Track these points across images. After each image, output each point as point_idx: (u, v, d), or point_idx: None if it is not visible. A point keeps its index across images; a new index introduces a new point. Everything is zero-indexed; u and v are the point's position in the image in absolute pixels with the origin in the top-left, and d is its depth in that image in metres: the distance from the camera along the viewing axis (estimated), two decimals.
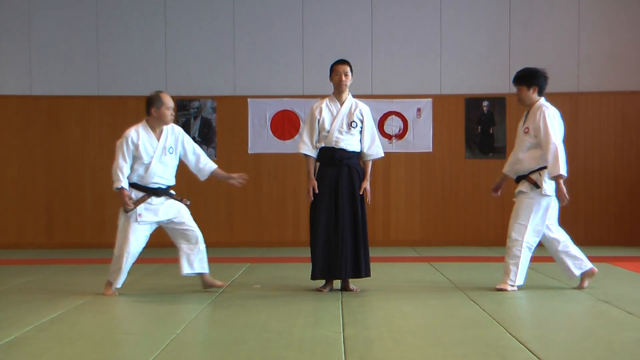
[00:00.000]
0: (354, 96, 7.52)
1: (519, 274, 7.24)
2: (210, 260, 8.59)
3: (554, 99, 12.19)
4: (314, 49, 12.45)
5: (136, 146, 7.08)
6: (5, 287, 7.84)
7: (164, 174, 7.18)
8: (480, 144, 12.33)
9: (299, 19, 12.50)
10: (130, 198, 7.05)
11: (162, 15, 12.49)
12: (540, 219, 7.24)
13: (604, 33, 12.41)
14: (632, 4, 12.45)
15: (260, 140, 12.34)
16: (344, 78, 7.37)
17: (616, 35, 12.41)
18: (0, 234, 12.35)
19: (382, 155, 7.53)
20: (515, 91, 7.44)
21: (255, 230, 12.44)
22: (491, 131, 12.28)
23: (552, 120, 7.20)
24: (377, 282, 7.71)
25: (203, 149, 7.66)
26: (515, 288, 7.22)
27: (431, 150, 12.41)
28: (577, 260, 7.38)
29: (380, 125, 12.11)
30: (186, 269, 7.29)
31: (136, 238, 7.11)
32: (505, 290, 7.20)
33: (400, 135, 12.36)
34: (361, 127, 7.40)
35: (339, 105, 7.41)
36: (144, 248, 7.28)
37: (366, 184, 7.40)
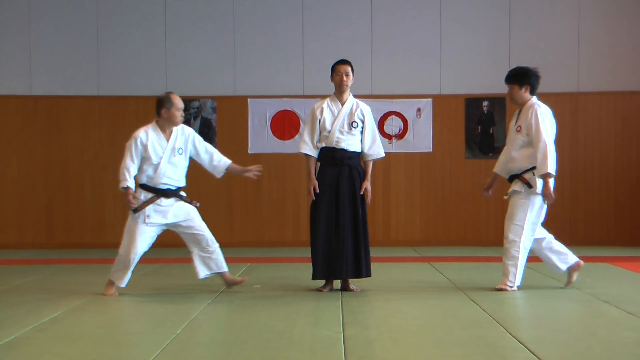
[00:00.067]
0: (354, 96, 7.52)
1: (518, 275, 7.24)
2: None
3: (554, 99, 12.27)
4: (314, 49, 12.45)
5: (145, 147, 7.08)
6: (5, 287, 7.84)
7: (173, 175, 7.17)
8: (480, 144, 12.33)
9: (299, 19, 12.50)
10: (135, 197, 7.04)
11: (162, 15, 12.49)
12: (535, 218, 7.24)
13: (604, 33, 12.41)
14: (631, 5, 12.45)
15: (260, 140, 12.34)
16: (345, 78, 7.37)
17: (616, 35, 12.41)
18: (0, 234, 12.35)
19: (383, 155, 7.53)
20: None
21: (255, 230, 12.44)
22: (491, 131, 12.29)
23: (544, 118, 7.20)
24: (377, 282, 7.71)
25: None
26: (515, 288, 7.22)
27: (431, 150, 12.41)
28: (562, 255, 7.39)
29: (381, 125, 12.11)
30: (203, 272, 7.28)
31: (143, 239, 7.10)
32: (504, 290, 7.21)
33: (400, 135, 12.36)
34: (362, 127, 7.40)
35: (340, 105, 7.41)
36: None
37: (367, 184, 7.40)
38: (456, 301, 6.82)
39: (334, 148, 7.34)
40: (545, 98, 12.32)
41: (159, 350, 4.91)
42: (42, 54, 12.46)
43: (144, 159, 7.10)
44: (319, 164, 7.43)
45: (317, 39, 12.48)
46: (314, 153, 7.39)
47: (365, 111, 7.43)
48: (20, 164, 12.43)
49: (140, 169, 7.12)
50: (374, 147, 7.44)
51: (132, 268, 7.16)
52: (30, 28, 12.46)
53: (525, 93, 7.35)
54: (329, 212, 7.32)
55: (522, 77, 7.35)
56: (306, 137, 7.41)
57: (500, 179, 7.71)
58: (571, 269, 7.42)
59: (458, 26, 12.48)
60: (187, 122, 12.23)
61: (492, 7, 12.47)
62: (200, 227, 7.23)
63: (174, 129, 7.20)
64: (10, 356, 4.84)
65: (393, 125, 12.35)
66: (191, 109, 12.31)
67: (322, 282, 7.43)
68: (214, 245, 7.26)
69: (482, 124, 12.34)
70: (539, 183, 7.16)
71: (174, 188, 7.17)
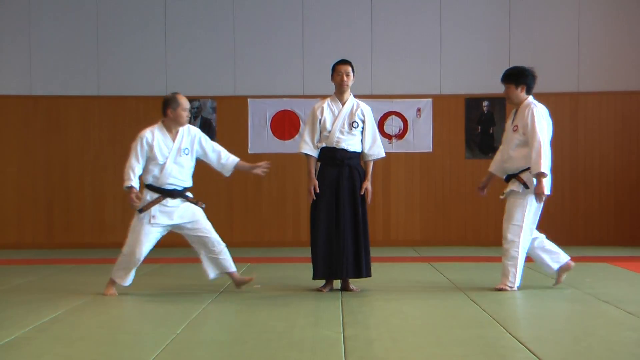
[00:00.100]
0: (354, 96, 7.52)
1: (518, 275, 7.24)
2: None
3: (554, 99, 12.29)
4: (314, 49, 12.45)
5: (150, 147, 7.09)
6: (5, 287, 7.84)
7: (179, 175, 7.17)
8: (480, 144, 12.33)
9: (299, 19, 12.50)
10: (138, 197, 7.03)
11: (162, 15, 12.49)
12: (532, 218, 7.24)
13: (604, 33, 12.41)
14: (632, 5, 12.45)
15: (260, 140, 12.34)
16: (345, 78, 7.37)
17: (616, 35, 12.41)
18: (0, 234, 12.35)
19: (384, 155, 7.53)
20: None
21: (255, 230, 12.44)
22: (491, 131, 12.28)
23: (540, 118, 7.20)
24: (377, 282, 7.71)
25: None
26: (515, 289, 7.22)
27: (431, 150, 12.41)
28: (554, 254, 7.40)
29: (381, 125, 12.11)
30: (212, 273, 7.31)
31: (148, 240, 7.11)
32: (504, 290, 7.21)
33: (400, 135, 12.36)
34: (362, 128, 7.40)
35: (341, 106, 7.41)
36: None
37: (367, 184, 7.40)
38: (456, 301, 6.82)
39: (334, 148, 7.34)
40: (545, 98, 12.33)
41: (159, 350, 4.91)
42: (42, 54, 12.46)
43: (150, 159, 7.10)
44: (319, 164, 7.43)
45: (317, 39, 12.48)
46: (314, 153, 7.40)
47: (366, 111, 7.44)
48: (20, 164, 12.43)
49: (146, 169, 7.13)
50: (375, 147, 7.44)
51: (135, 268, 7.16)
52: (30, 28, 12.46)
53: (521, 93, 7.36)
54: (329, 212, 7.32)
55: (518, 77, 7.35)
56: (306, 137, 7.41)
57: (496, 178, 7.71)
58: (562, 269, 7.42)
59: (458, 26, 12.47)
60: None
61: (492, 7, 12.47)
62: (206, 229, 7.23)
63: (180, 129, 7.21)
64: (10, 356, 4.84)
65: (393, 125, 12.35)
66: (191, 109, 12.29)
67: (322, 282, 7.43)
68: (220, 246, 7.26)
69: (482, 124, 12.34)
70: (536, 182, 7.15)
71: (180, 189, 7.17)
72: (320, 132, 7.38)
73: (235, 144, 12.25)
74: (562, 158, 12.35)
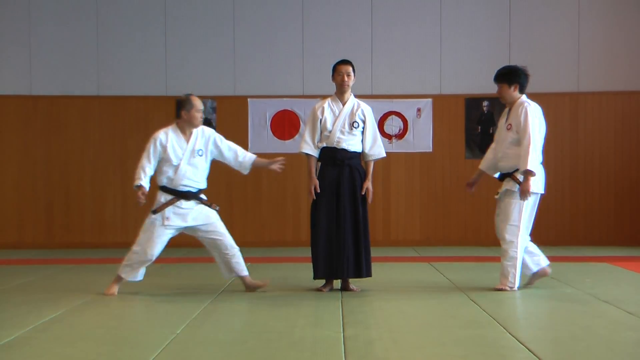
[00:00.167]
0: (355, 96, 7.52)
1: (517, 275, 7.24)
2: (211, 260, 8.59)
3: (554, 99, 12.30)
4: (314, 49, 12.44)
5: (164, 148, 7.09)
6: (5, 287, 7.84)
7: (193, 177, 7.17)
8: (480, 144, 12.32)
9: (299, 19, 12.50)
10: (144, 194, 7.02)
11: (162, 15, 12.49)
12: (528, 217, 7.25)
13: (603, 33, 12.41)
14: (632, 4, 12.44)
15: (260, 140, 12.33)
16: (346, 78, 7.38)
17: (616, 35, 12.41)
18: (0, 234, 12.34)
19: (384, 155, 7.53)
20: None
21: (255, 230, 12.43)
22: (491, 131, 12.27)
23: (533, 116, 7.20)
24: (377, 282, 7.71)
25: None
26: (515, 289, 7.22)
27: (431, 150, 12.41)
28: (535, 256, 7.40)
29: (381, 125, 12.11)
30: (226, 275, 7.36)
31: (161, 241, 7.13)
32: (504, 290, 7.20)
33: (400, 135, 12.36)
34: (363, 128, 7.40)
35: (341, 106, 7.41)
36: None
37: (368, 184, 7.40)
38: (456, 301, 6.82)
39: (334, 148, 7.35)
40: (545, 98, 12.36)
41: (159, 350, 4.91)
42: (42, 54, 12.45)
43: (164, 160, 7.11)
44: (319, 164, 7.43)
45: (317, 39, 12.48)
46: (314, 153, 7.40)
47: (367, 111, 7.44)
48: (20, 164, 12.43)
49: (160, 171, 7.14)
50: (375, 148, 7.45)
51: (145, 266, 7.17)
52: (30, 28, 12.46)
53: (514, 92, 7.36)
54: (329, 212, 7.32)
55: (511, 76, 7.36)
56: (307, 137, 7.41)
57: (485, 176, 7.72)
58: (538, 274, 7.40)
59: (458, 26, 12.47)
60: None
61: (492, 7, 12.46)
62: (220, 231, 7.23)
63: (194, 130, 7.21)
64: (10, 356, 4.85)
65: (393, 125, 12.35)
66: None
67: (322, 281, 7.44)
68: (234, 250, 7.26)
69: (482, 124, 12.34)
70: (532, 182, 7.15)
71: (194, 190, 7.18)
72: (321, 132, 7.39)
73: (235, 143, 12.25)
74: (562, 158, 12.36)
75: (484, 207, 12.20)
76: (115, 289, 7.20)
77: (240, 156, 7.33)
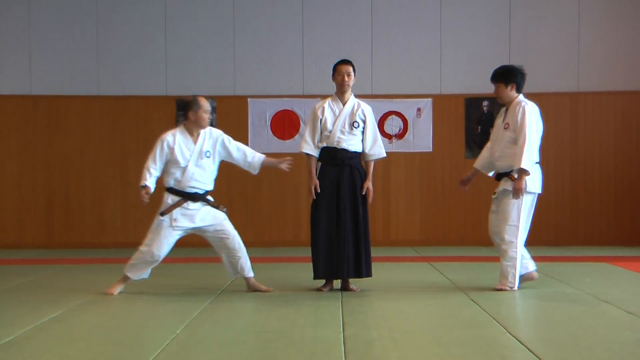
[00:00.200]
0: (355, 96, 7.52)
1: (517, 275, 7.23)
2: (211, 260, 8.60)
3: (554, 99, 12.31)
4: (314, 49, 12.45)
5: (171, 149, 7.09)
6: (5, 287, 7.84)
7: (201, 178, 7.17)
8: (480, 144, 12.28)
9: (299, 19, 12.50)
10: (148, 193, 7.02)
11: (162, 15, 12.49)
12: (527, 216, 7.25)
13: (604, 33, 12.41)
14: (632, 4, 12.45)
15: (260, 140, 12.33)
16: (346, 78, 7.38)
17: (616, 35, 12.41)
18: (0, 234, 12.34)
19: (384, 155, 7.53)
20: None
21: (255, 230, 12.43)
22: (491, 131, 12.27)
23: (530, 116, 7.19)
24: (377, 282, 7.71)
25: None
26: (515, 289, 7.22)
27: (431, 150, 12.41)
28: (524, 259, 7.38)
29: (381, 125, 12.11)
30: (231, 275, 7.36)
31: (168, 242, 7.13)
32: (504, 290, 7.20)
33: (400, 135, 12.37)
34: (363, 128, 7.41)
35: (342, 105, 7.41)
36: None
37: (369, 184, 7.40)
38: (456, 301, 6.82)
39: (335, 148, 7.35)
40: (545, 98, 12.36)
41: (159, 350, 4.91)
42: (42, 54, 12.45)
43: (171, 161, 7.11)
44: (319, 163, 7.43)
45: (317, 39, 12.48)
46: (315, 153, 7.40)
47: (367, 111, 7.44)
48: (20, 164, 12.43)
49: (167, 172, 7.14)
50: (375, 148, 7.45)
51: (151, 267, 7.19)
52: (30, 28, 12.46)
53: (511, 91, 7.36)
54: (329, 212, 7.32)
55: (507, 76, 7.35)
56: (307, 136, 7.41)
57: (484, 176, 7.72)
58: (525, 277, 7.39)
59: (458, 26, 12.47)
60: None
61: (492, 7, 12.46)
62: (228, 231, 7.23)
63: (202, 131, 7.21)
64: (10, 356, 4.85)
65: (393, 125, 12.36)
66: None
67: (322, 281, 7.44)
68: (241, 251, 7.25)
69: (482, 124, 12.34)
70: (529, 182, 7.15)
71: (201, 192, 7.17)
72: (321, 132, 7.39)
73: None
74: (562, 158, 12.36)
75: (484, 207, 12.11)
76: (117, 288, 7.19)
77: (249, 156, 7.33)
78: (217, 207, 7.25)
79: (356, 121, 7.36)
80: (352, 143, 7.37)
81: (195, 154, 7.13)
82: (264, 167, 7.39)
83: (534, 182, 7.20)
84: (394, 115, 12.34)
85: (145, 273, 7.25)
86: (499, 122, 7.49)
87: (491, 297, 6.90)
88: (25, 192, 12.42)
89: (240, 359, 4.74)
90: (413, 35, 12.49)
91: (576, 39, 12.41)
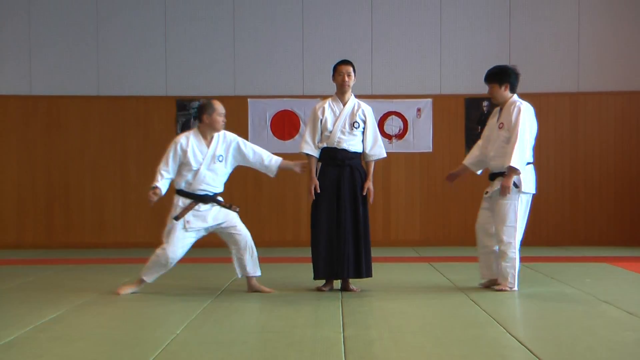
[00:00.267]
0: (355, 96, 7.52)
1: (517, 276, 7.23)
2: (211, 260, 8.61)
3: (554, 99, 12.31)
4: (314, 49, 12.44)
5: (184, 152, 7.10)
6: (5, 287, 7.84)
7: (212, 182, 7.19)
8: None
9: (299, 19, 12.50)
10: (156, 193, 7.01)
11: (162, 15, 12.49)
12: (523, 216, 7.25)
13: (604, 33, 12.41)
14: (631, 4, 12.45)
15: (260, 140, 12.30)
16: (347, 78, 7.38)
17: (616, 35, 12.41)
18: (0, 234, 12.34)
19: (385, 155, 7.53)
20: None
21: (255, 230, 12.33)
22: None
23: (524, 115, 7.18)
24: (377, 282, 7.71)
25: None
26: (515, 289, 7.21)
27: (431, 150, 12.41)
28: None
29: (381, 125, 12.11)
30: (239, 273, 7.35)
31: (182, 245, 7.13)
32: (504, 291, 7.20)
33: (400, 135, 12.36)
34: (363, 128, 7.41)
35: (342, 106, 7.41)
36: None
37: (369, 184, 7.40)
38: (456, 301, 6.82)
39: (335, 148, 7.35)
40: (545, 98, 12.36)
41: (159, 350, 4.91)
42: (42, 54, 12.45)
43: (184, 164, 7.12)
44: (320, 164, 7.43)
45: (317, 39, 12.48)
46: (315, 153, 7.40)
47: (367, 112, 7.44)
48: (20, 164, 12.43)
49: (179, 174, 7.15)
50: (376, 148, 7.45)
51: (166, 270, 7.17)
52: (30, 28, 12.46)
53: (505, 91, 7.35)
54: (330, 212, 7.33)
55: (501, 76, 7.34)
56: (307, 137, 7.41)
57: (480, 175, 7.72)
58: (493, 282, 7.38)
59: (458, 26, 12.47)
60: (187, 122, 12.25)
61: (492, 7, 12.46)
62: (239, 228, 7.26)
63: (215, 135, 7.22)
64: (10, 356, 4.85)
65: (393, 125, 12.35)
66: (191, 109, 12.31)
67: (322, 281, 7.43)
68: (248, 251, 7.25)
69: (482, 124, 12.30)
70: (525, 182, 7.14)
71: (211, 194, 7.18)
72: (322, 133, 7.39)
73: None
74: (562, 158, 12.36)
75: None
76: (129, 289, 7.19)
77: (266, 160, 7.35)
78: (229, 207, 7.27)
79: (356, 121, 7.36)
80: (352, 143, 7.37)
81: (208, 158, 7.14)
82: (281, 170, 7.40)
83: (528, 183, 7.20)
84: (394, 116, 12.34)
85: (156, 276, 7.23)
86: (492, 121, 7.48)
87: (491, 297, 6.91)
88: (25, 192, 12.42)
89: (240, 359, 4.74)
90: (413, 35, 12.49)
91: (576, 39, 12.41)
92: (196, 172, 7.12)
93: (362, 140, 7.42)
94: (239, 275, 7.37)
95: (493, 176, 7.36)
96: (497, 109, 7.47)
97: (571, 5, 12.43)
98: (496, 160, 7.30)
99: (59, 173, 12.43)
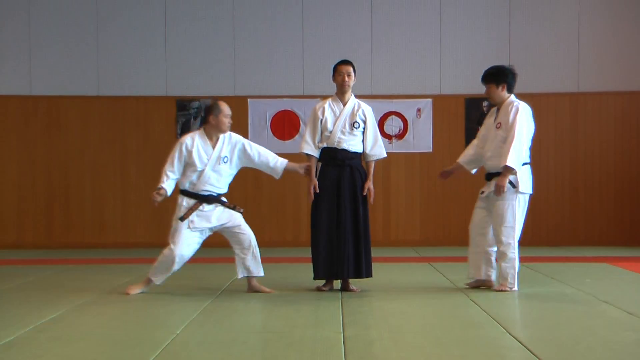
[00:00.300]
0: (355, 97, 7.52)
1: (517, 276, 7.23)
2: (211, 260, 8.61)
3: (554, 99, 12.31)
4: (314, 49, 12.45)
5: (190, 153, 7.11)
6: (5, 287, 7.84)
7: (216, 183, 7.20)
8: None
9: (299, 19, 12.50)
10: (160, 193, 7.02)
11: (162, 15, 12.49)
12: (521, 216, 7.24)
13: (604, 33, 12.41)
14: (632, 4, 12.45)
15: (260, 140, 12.27)
16: (347, 79, 7.38)
17: (616, 35, 12.41)
18: (0, 234, 12.34)
19: (385, 155, 7.52)
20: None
21: (255, 230, 12.32)
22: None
23: (522, 115, 7.17)
24: (377, 282, 7.70)
25: None
26: (515, 289, 7.21)
27: (431, 150, 12.41)
28: (490, 269, 7.37)
29: (381, 125, 12.11)
30: (241, 274, 7.32)
31: (188, 244, 7.13)
32: (504, 291, 7.20)
33: (400, 135, 12.36)
34: (364, 128, 7.40)
35: (342, 106, 7.41)
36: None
37: (369, 184, 7.40)
38: (456, 301, 6.82)
39: (335, 148, 7.35)
40: (545, 98, 12.36)
41: (159, 350, 4.91)
42: (42, 54, 12.45)
43: (189, 165, 7.13)
44: (320, 164, 7.43)
45: (317, 39, 12.48)
46: (315, 153, 7.40)
47: (367, 112, 7.44)
48: (20, 164, 12.42)
49: (184, 175, 7.16)
50: (376, 148, 7.45)
51: (173, 271, 7.17)
52: (30, 28, 12.46)
53: (502, 91, 7.33)
54: (330, 212, 7.32)
55: (498, 76, 7.33)
56: (307, 137, 7.41)
57: (480, 175, 7.72)
58: (485, 283, 7.38)
59: (458, 26, 12.47)
60: (187, 122, 12.25)
61: (492, 7, 12.46)
62: (243, 228, 7.26)
63: (221, 136, 7.22)
64: (10, 356, 4.85)
65: (393, 125, 12.35)
66: (191, 109, 12.31)
67: (322, 281, 7.43)
68: (250, 250, 7.24)
69: (481, 124, 12.31)
70: (522, 182, 7.14)
71: (215, 195, 7.19)
72: (322, 133, 7.39)
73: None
74: (562, 158, 12.36)
75: None
76: (138, 289, 7.19)
77: (271, 162, 7.35)
78: (233, 208, 7.27)
79: (356, 121, 7.36)
80: (352, 143, 7.37)
81: (213, 159, 7.15)
82: (286, 172, 7.40)
83: (525, 183, 7.19)
84: (394, 116, 12.34)
85: (165, 277, 7.23)
86: (489, 121, 7.47)
87: (491, 297, 6.91)
88: (25, 192, 12.42)
89: (240, 359, 4.74)
90: (413, 35, 12.49)
91: (576, 39, 12.42)
92: (201, 172, 7.13)
93: (362, 141, 7.41)
94: (240, 276, 7.36)
95: (490, 176, 7.36)
96: (494, 109, 7.47)
97: (571, 5, 12.43)
98: (493, 160, 7.29)
99: (59, 173, 12.43)
